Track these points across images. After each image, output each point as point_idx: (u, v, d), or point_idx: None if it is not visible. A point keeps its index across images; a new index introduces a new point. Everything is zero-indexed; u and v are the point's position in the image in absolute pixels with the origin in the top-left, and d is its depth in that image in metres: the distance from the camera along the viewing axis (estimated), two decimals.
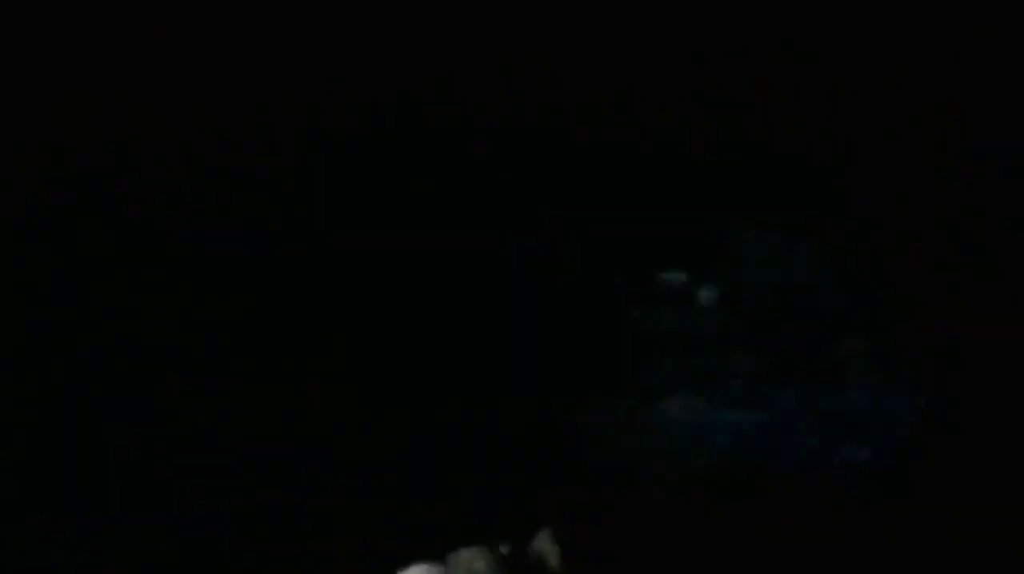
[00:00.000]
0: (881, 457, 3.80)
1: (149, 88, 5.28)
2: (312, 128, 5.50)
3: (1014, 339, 4.81)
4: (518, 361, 4.59)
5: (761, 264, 4.63)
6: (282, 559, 4.44)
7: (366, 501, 4.40)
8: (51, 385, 5.15)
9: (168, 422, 5.18)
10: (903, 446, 3.90)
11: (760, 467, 3.61)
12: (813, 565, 3.95)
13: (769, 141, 5.50)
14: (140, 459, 5.03)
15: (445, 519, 3.82)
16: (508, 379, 4.47)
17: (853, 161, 5.42)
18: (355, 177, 5.62)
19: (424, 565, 3.20)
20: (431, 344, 5.28)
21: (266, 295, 5.48)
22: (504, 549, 3.18)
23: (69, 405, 5.10)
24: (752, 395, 3.70)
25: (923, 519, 4.27)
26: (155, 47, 5.23)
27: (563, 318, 4.82)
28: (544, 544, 3.33)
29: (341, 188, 5.59)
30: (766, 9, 5.38)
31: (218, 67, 5.31)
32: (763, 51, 5.47)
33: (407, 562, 3.27)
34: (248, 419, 5.22)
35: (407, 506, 4.32)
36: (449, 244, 5.51)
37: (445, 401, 4.83)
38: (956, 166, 5.23)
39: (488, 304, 5.16)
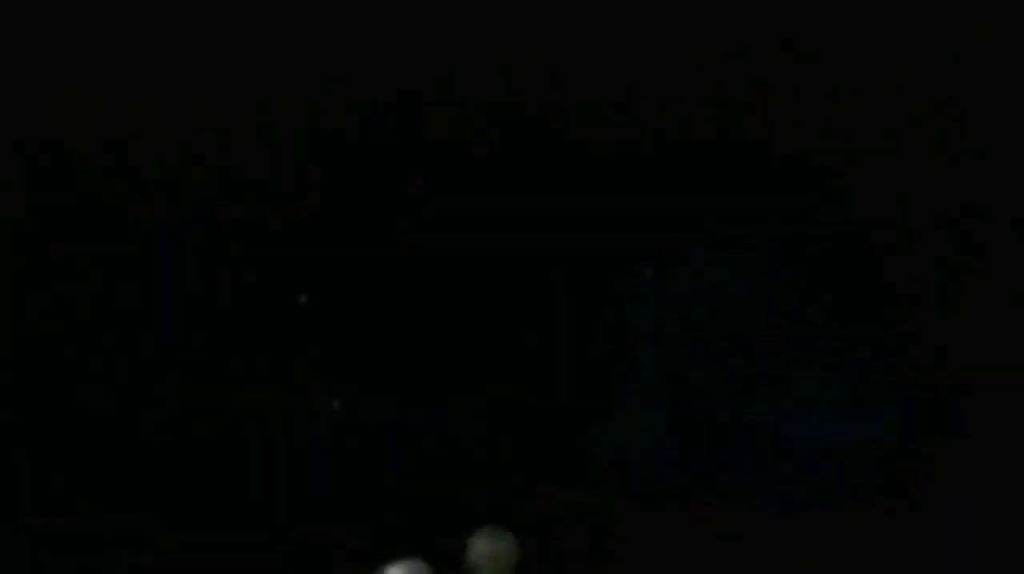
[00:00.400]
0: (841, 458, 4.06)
1: (149, 88, 5.27)
2: (312, 128, 5.50)
3: (1010, 344, 4.81)
4: (496, 360, 4.61)
5: (735, 265, 4.73)
6: (276, 556, 4.45)
7: (356, 498, 4.38)
8: (51, 384, 5.15)
9: (167, 420, 5.18)
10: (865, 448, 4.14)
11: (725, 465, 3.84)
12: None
13: (768, 141, 5.50)
14: (139, 458, 5.04)
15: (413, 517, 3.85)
16: (482, 378, 4.50)
17: (850, 163, 5.42)
18: (355, 177, 5.61)
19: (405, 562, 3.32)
20: (421, 342, 5.30)
21: (266, 295, 5.48)
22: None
23: (68, 404, 5.10)
24: (721, 395, 3.81)
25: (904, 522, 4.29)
26: (155, 47, 5.22)
27: (552, 318, 4.81)
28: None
29: (341, 188, 5.59)
30: (766, 9, 5.37)
31: (218, 67, 5.31)
32: (763, 51, 5.47)
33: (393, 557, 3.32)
34: (247, 417, 5.22)
35: (390, 503, 4.30)
36: (442, 245, 5.51)
37: (421, 401, 4.84)
38: (956, 166, 5.22)
39: (474, 305, 5.16)
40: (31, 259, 5.26)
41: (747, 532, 4.48)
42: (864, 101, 5.41)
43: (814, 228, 5.50)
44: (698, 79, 5.51)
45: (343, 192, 5.59)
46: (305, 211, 5.56)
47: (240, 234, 5.45)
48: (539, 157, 5.65)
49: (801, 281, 5.47)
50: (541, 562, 4.60)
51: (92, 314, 5.28)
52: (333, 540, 4.70)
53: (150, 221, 5.36)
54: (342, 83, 5.42)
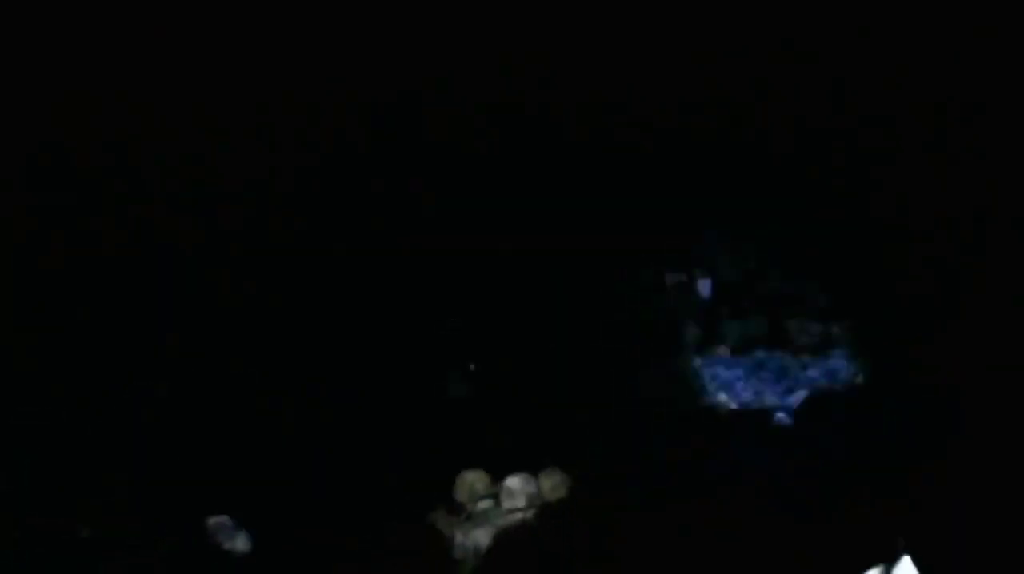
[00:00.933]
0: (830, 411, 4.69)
1: (149, 88, 5.28)
2: (312, 128, 5.50)
3: (1010, 344, 4.83)
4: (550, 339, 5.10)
5: (747, 260, 5.27)
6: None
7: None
8: (52, 383, 5.16)
9: (168, 419, 5.20)
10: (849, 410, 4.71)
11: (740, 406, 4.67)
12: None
13: (768, 141, 5.51)
14: (138, 457, 5.05)
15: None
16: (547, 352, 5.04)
17: (850, 163, 5.43)
18: (355, 178, 5.62)
19: (521, 475, 4.15)
20: (418, 340, 5.34)
21: (266, 294, 5.50)
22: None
23: (69, 403, 5.11)
24: (735, 357, 4.76)
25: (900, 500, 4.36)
26: (155, 47, 5.23)
27: (591, 304, 5.11)
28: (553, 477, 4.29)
29: (341, 188, 5.60)
30: (766, 9, 5.38)
31: (218, 67, 5.31)
32: (763, 51, 5.48)
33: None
34: (248, 416, 5.24)
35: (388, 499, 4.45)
36: (461, 243, 5.54)
37: (420, 398, 4.97)
38: (956, 166, 5.23)
39: (474, 305, 5.28)
40: (31, 259, 5.27)
41: (747, 532, 4.49)
42: (864, 101, 5.42)
43: (814, 227, 5.52)
44: (698, 79, 5.52)
45: (343, 192, 5.60)
46: (305, 211, 5.57)
47: (240, 234, 5.46)
48: (539, 157, 5.66)
49: (801, 280, 5.49)
50: (542, 562, 4.63)
51: (91, 313, 5.29)
52: (332, 539, 4.73)
53: (150, 221, 5.37)
54: (342, 83, 5.42)
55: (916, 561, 3.95)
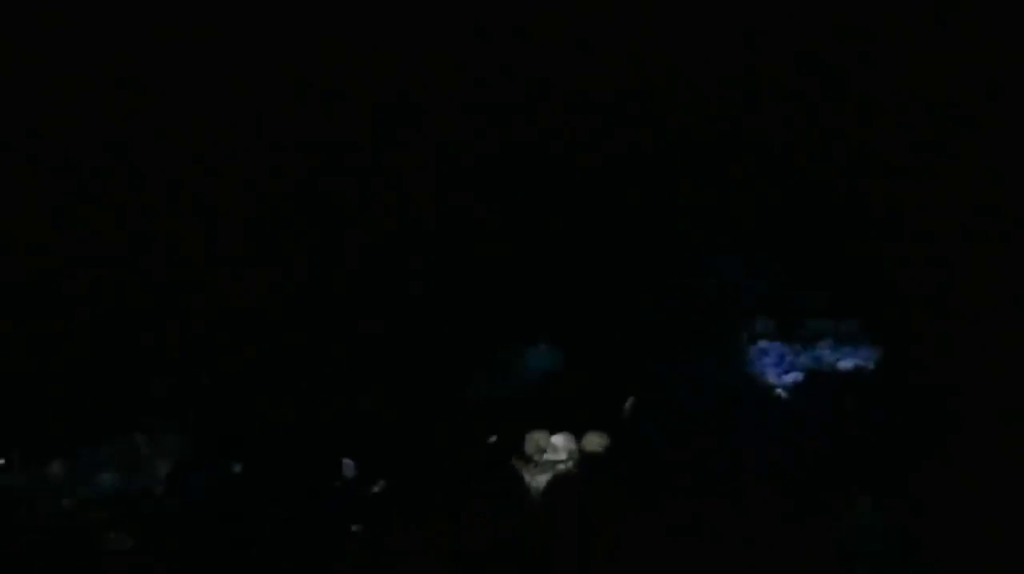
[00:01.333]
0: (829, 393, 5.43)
1: (149, 88, 5.28)
2: (312, 128, 5.51)
3: (1010, 344, 4.84)
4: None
5: (751, 264, 5.78)
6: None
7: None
8: (53, 384, 5.16)
9: (169, 417, 5.20)
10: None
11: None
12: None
13: (769, 141, 5.52)
14: (138, 454, 5.05)
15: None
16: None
17: (851, 162, 5.45)
18: (355, 177, 5.63)
19: (564, 434, 5.35)
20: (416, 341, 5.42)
21: (267, 293, 5.50)
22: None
23: (69, 402, 5.11)
24: (749, 349, 5.62)
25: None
26: (155, 47, 5.24)
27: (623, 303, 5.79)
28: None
29: (341, 188, 5.60)
30: (766, 9, 5.39)
31: (218, 67, 5.32)
32: (763, 51, 5.49)
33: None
34: (247, 413, 5.25)
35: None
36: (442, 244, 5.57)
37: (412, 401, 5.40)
38: (956, 166, 5.24)
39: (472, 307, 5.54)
40: (32, 259, 5.27)
41: (746, 532, 4.51)
42: (864, 102, 5.43)
43: (812, 232, 5.54)
44: (699, 79, 5.54)
45: (343, 192, 5.60)
46: (305, 211, 5.58)
47: (240, 232, 5.47)
48: (540, 157, 5.67)
49: (798, 282, 5.52)
50: (544, 561, 4.66)
51: (93, 312, 5.30)
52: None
53: (149, 220, 5.38)
54: (342, 83, 5.43)
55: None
